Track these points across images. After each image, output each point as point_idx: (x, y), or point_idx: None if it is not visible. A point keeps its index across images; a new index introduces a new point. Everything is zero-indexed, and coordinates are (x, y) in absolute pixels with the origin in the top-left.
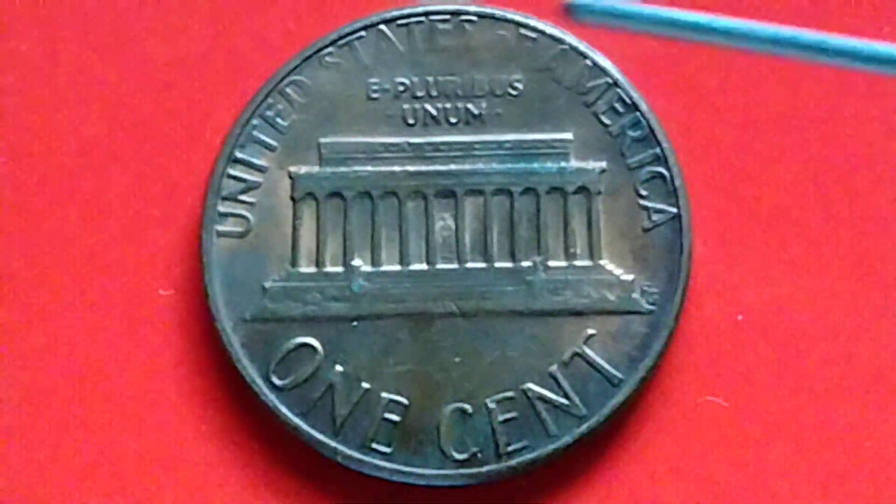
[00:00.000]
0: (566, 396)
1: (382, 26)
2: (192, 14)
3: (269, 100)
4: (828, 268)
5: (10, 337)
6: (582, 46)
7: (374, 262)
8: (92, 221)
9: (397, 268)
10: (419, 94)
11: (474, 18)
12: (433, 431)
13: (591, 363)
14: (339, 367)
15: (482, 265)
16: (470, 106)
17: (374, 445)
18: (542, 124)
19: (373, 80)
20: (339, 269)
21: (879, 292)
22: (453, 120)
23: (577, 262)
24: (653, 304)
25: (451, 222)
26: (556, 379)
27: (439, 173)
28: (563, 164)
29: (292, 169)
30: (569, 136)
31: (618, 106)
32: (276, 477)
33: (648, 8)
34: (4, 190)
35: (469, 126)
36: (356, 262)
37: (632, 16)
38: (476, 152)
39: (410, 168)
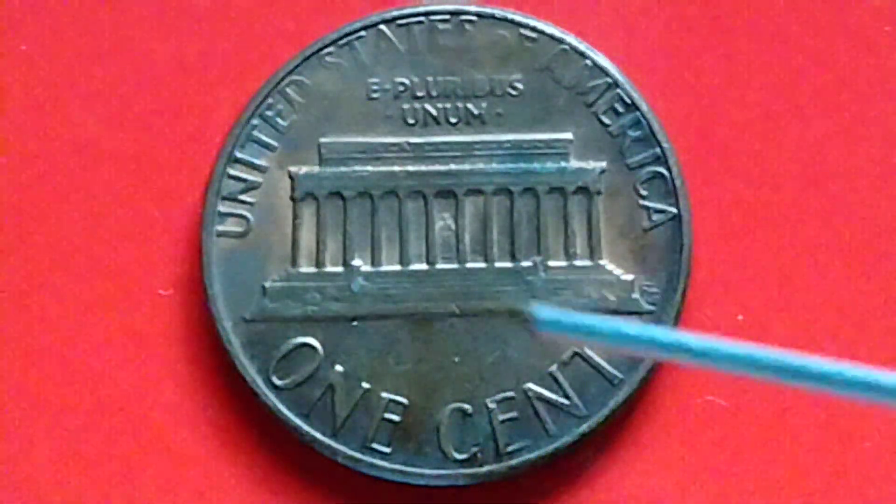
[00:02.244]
0: (566, 396)
1: (382, 26)
2: (192, 14)
3: (269, 100)
4: (828, 268)
5: (10, 337)
6: (582, 46)
7: (374, 262)
8: (92, 221)
9: (397, 268)
10: (419, 94)
11: (474, 18)
12: (433, 431)
13: (591, 363)
14: (339, 367)
15: (482, 265)
16: (470, 106)
17: (374, 445)
18: (542, 124)
19: (373, 80)
20: (339, 269)
21: (879, 292)
22: (453, 120)
23: (577, 262)
24: (653, 304)
25: (451, 222)
26: (556, 379)
27: (439, 173)
28: (563, 164)
29: (292, 169)
30: (569, 136)
31: (618, 106)
32: (276, 477)
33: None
34: (4, 190)
35: (469, 126)
36: (356, 262)
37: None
38: (476, 152)
39: (410, 168)
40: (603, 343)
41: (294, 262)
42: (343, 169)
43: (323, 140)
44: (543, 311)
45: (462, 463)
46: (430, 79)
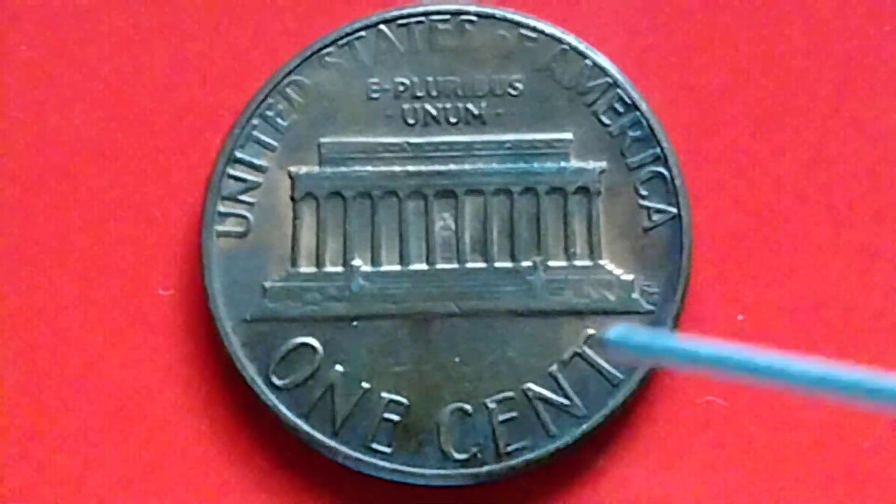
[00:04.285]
0: (566, 396)
1: (382, 26)
2: (192, 14)
3: (269, 100)
4: (828, 268)
5: (10, 337)
6: (582, 46)
7: (374, 261)
8: (92, 221)
9: (397, 268)
10: (419, 94)
11: (474, 18)
12: (433, 431)
13: (591, 363)
14: (339, 367)
15: (482, 265)
16: (470, 106)
17: (374, 445)
18: (542, 124)
19: (373, 80)
20: (339, 268)
21: (879, 292)
22: (453, 120)
23: (577, 262)
24: (653, 304)
25: (451, 222)
26: (556, 379)
27: (439, 173)
28: (563, 164)
29: (292, 169)
30: (569, 136)
31: (618, 106)
32: (276, 477)
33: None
34: (4, 190)
35: (469, 126)
36: (356, 261)
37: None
38: (476, 152)
39: (410, 168)
40: (677, 365)
41: (294, 262)
42: (343, 169)
43: (323, 140)
44: (617, 331)
45: (462, 463)
46: (430, 79)
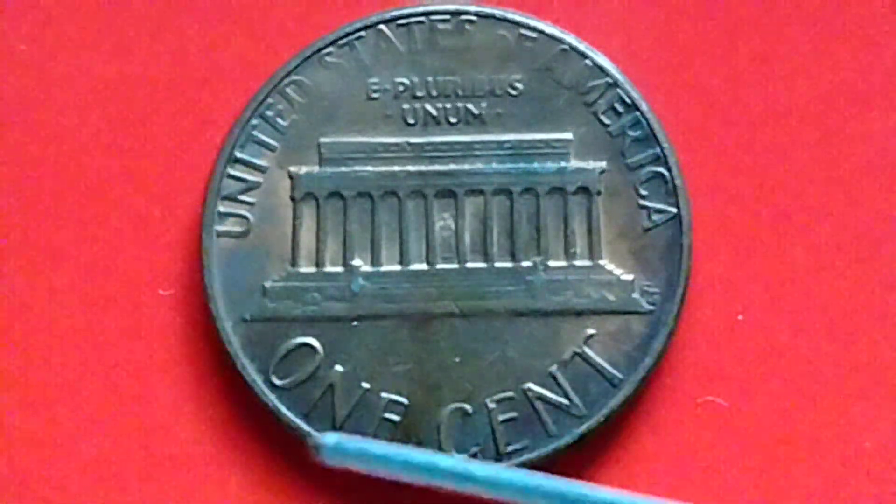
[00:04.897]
0: (566, 396)
1: (382, 26)
2: (192, 14)
3: (269, 100)
4: (828, 268)
5: (10, 337)
6: (582, 46)
7: (374, 262)
8: (92, 221)
9: (397, 268)
10: (419, 94)
11: (474, 18)
12: (433, 431)
13: (591, 363)
14: (339, 367)
15: (482, 265)
16: (470, 106)
17: None
18: (542, 124)
19: (373, 80)
20: (339, 269)
21: (879, 292)
22: (453, 120)
23: (577, 262)
24: (653, 304)
25: (451, 222)
26: (556, 379)
27: (439, 173)
28: (563, 164)
29: (292, 169)
30: (569, 136)
31: (618, 106)
32: (276, 477)
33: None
34: (4, 190)
35: (469, 126)
36: (356, 261)
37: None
38: (476, 152)
39: (410, 168)
40: (389, 472)
41: (294, 262)
42: (343, 169)
43: (323, 140)
44: (331, 437)
45: None
46: (430, 79)
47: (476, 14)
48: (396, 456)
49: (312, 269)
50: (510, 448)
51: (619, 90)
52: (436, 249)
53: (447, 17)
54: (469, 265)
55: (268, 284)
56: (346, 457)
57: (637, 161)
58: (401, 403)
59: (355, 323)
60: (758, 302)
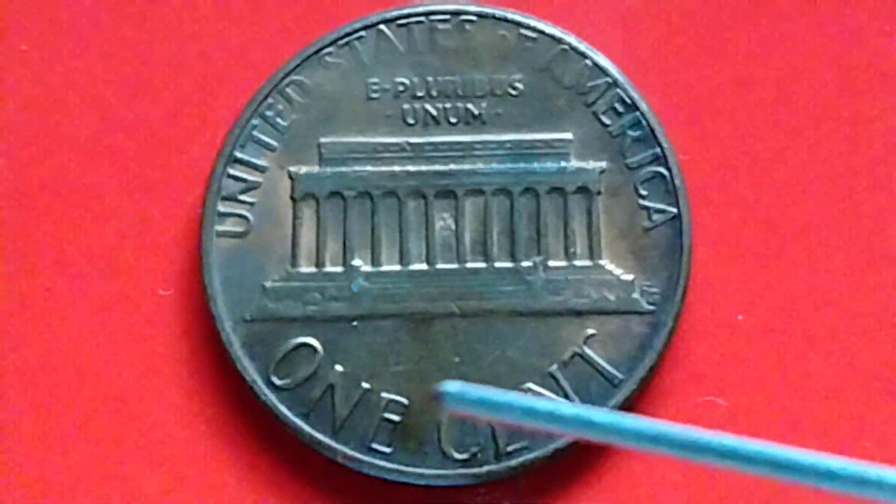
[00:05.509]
0: (566, 396)
1: (382, 26)
2: (192, 14)
3: (269, 100)
4: (828, 268)
5: (10, 337)
6: (582, 46)
7: (374, 262)
8: (92, 221)
9: (397, 268)
10: (419, 94)
11: (474, 18)
12: (433, 431)
13: (591, 363)
14: (339, 367)
15: (482, 265)
16: (470, 106)
17: (374, 445)
18: (542, 124)
19: (373, 80)
20: (339, 269)
21: (879, 292)
22: (453, 120)
23: (577, 262)
24: (653, 304)
25: (451, 222)
26: (556, 379)
27: (439, 173)
28: (563, 164)
29: (292, 169)
30: (569, 136)
31: (618, 106)
32: (276, 477)
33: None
34: (4, 190)
35: (469, 126)
36: (356, 262)
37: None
38: (476, 152)
39: (410, 168)
40: (514, 420)
41: (294, 262)
42: (343, 169)
43: (323, 140)
44: (453, 385)
45: (462, 463)
46: (430, 79)
47: (476, 14)
48: (518, 403)
49: (312, 269)
50: (510, 448)
51: (619, 90)
52: (436, 249)
53: (447, 17)
54: (469, 265)
55: (268, 284)
56: (467, 404)
57: (637, 161)
58: (401, 403)
59: (355, 323)
60: (758, 302)
